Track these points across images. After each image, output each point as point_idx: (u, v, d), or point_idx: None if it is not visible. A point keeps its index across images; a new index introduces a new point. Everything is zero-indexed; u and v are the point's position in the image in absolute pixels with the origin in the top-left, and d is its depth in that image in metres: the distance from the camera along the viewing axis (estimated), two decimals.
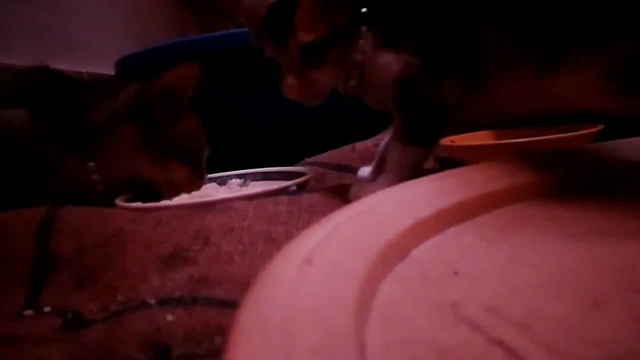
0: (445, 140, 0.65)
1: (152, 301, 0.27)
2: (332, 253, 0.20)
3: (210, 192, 0.51)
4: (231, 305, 0.26)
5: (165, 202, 0.50)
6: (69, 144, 0.50)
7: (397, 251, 0.23)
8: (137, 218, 0.36)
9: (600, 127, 0.58)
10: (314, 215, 0.35)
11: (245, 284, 0.28)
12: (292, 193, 0.39)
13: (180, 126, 0.53)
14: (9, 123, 0.51)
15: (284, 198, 0.37)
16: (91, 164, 0.51)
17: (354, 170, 0.64)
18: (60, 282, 0.32)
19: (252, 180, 0.58)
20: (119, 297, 0.28)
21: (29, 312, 0.30)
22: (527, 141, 0.56)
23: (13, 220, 0.37)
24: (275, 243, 0.32)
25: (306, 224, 0.34)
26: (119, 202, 0.48)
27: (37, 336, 0.26)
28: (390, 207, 0.26)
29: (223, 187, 0.57)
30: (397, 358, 0.15)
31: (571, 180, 0.29)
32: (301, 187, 0.49)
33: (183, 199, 0.52)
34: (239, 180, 0.58)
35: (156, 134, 0.52)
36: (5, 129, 0.51)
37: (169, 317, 0.25)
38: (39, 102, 0.52)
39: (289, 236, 0.33)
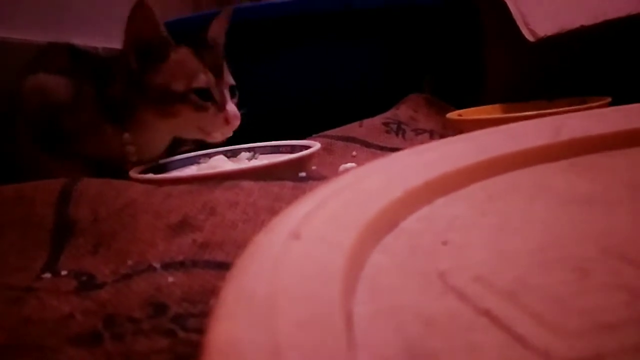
0: (453, 114, 0.65)
1: (157, 265, 0.28)
2: (320, 226, 0.20)
3: (219, 164, 0.52)
4: (228, 267, 0.27)
5: (175, 174, 0.51)
6: (107, 113, 0.52)
7: (385, 222, 0.23)
8: (149, 191, 0.37)
9: (609, 100, 0.57)
10: None
11: (244, 247, 0.29)
12: (299, 180, 0.40)
13: (163, 66, 0.51)
14: (50, 86, 0.53)
15: (289, 183, 0.39)
16: (126, 135, 0.52)
17: (360, 141, 0.65)
18: (77, 248, 0.34)
19: (261, 154, 0.59)
20: (129, 262, 0.30)
21: (47, 275, 0.32)
22: (535, 114, 0.55)
23: (33, 191, 0.39)
24: (277, 215, 0.32)
25: None
26: (133, 174, 0.49)
27: (52, 292, 0.27)
28: (378, 179, 0.26)
29: (232, 160, 0.57)
30: (383, 327, 0.16)
31: (562, 148, 0.29)
32: (307, 164, 0.50)
33: (192, 170, 0.53)
34: (248, 154, 0.59)
35: (145, 86, 0.51)
36: (46, 91, 0.53)
37: (170, 279, 0.27)
38: (68, 73, 0.53)
39: None
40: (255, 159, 0.59)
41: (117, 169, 0.53)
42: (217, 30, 0.56)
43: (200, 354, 0.13)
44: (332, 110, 0.75)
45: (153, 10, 0.49)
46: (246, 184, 0.37)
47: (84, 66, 0.55)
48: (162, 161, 0.57)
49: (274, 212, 0.33)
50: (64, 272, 0.31)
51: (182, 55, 0.51)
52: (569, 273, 0.18)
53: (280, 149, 0.58)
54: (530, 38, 0.57)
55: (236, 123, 0.52)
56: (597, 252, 0.19)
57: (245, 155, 0.59)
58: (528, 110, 0.60)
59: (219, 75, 0.52)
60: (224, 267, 0.27)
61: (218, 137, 0.53)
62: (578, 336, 0.14)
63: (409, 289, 0.18)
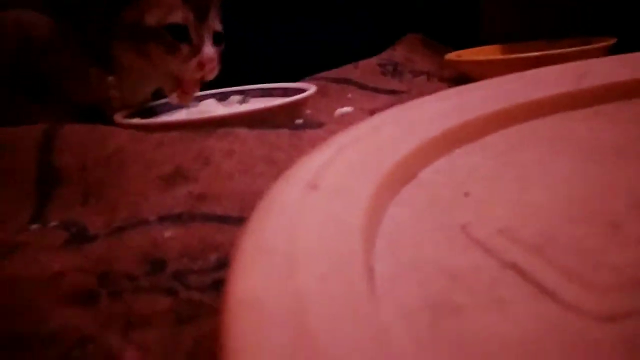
0: (452, 55, 0.63)
1: (152, 218, 0.27)
2: (337, 176, 0.20)
3: (209, 108, 0.50)
4: (228, 220, 0.27)
5: (164, 119, 0.49)
6: (90, 55, 0.48)
7: (403, 173, 0.22)
8: (137, 138, 0.35)
9: (614, 40, 0.56)
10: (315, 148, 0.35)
11: (243, 199, 0.28)
12: (295, 127, 0.38)
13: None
14: (29, 23, 0.49)
15: (285, 131, 0.37)
16: (111, 78, 0.49)
17: (355, 83, 0.63)
18: (65, 197, 0.33)
19: (252, 97, 0.57)
20: (122, 214, 0.29)
21: (35, 226, 0.30)
22: (538, 55, 0.54)
23: (14, 137, 0.37)
24: (276, 166, 0.32)
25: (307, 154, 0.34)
26: (118, 118, 0.47)
27: (42, 246, 0.26)
28: (395, 128, 0.25)
29: (222, 103, 0.55)
30: (406, 283, 0.15)
31: (587, 96, 0.28)
32: (303, 108, 0.48)
33: (182, 115, 0.51)
34: (238, 97, 0.57)
35: (118, 20, 0.46)
36: (29, 30, 0.49)
37: (167, 234, 0.26)
38: (46, 10, 0.49)
39: (290, 161, 0.32)
40: (246, 102, 0.56)
41: (101, 115, 0.50)
42: None
43: (220, 309, 0.12)
44: (326, 54, 0.72)
45: None
46: (241, 131, 0.35)
47: (61, 3, 0.50)
48: (148, 105, 0.54)
49: (271, 162, 0.32)
50: (53, 223, 0.30)
51: None
52: (597, 227, 0.17)
53: (273, 92, 0.56)
54: None
55: (211, 68, 0.47)
56: (626, 205, 0.18)
57: (235, 98, 0.57)
58: (529, 52, 0.58)
59: (201, 17, 0.47)
60: (223, 220, 0.26)
61: (190, 81, 0.48)
62: (610, 292, 0.13)
63: (431, 243, 0.17)
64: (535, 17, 0.68)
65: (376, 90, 0.61)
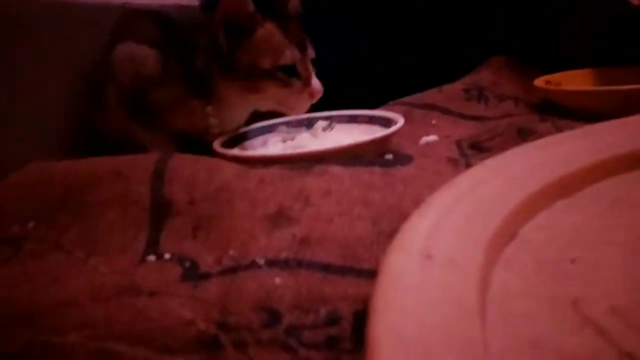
0: (540, 81, 0.61)
1: (261, 261, 0.29)
2: (448, 243, 0.20)
3: (303, 142, 0.52)
4: (332, 269, 0.28)
5: (261, 152, 0.52)
6: (192, 88, 0.53)
7: (506, 232, 0.23)
8: (241, 174, 0.38)
9: None
10: (408, 187, 0.36)
11: (343, 245, 0.30)
12: (386, 164, 0.40)
13: (249, 42, 0.51)
14: (141, 57, 0.54)
15: (378, 169, 0.38)
16: (209, 108, 0.53)
17: (440, 109, 0.63)
18: (176, 229, 0.35)
19: (338, 122, 0.58)
20: (231, 252, 0.31)
21: (151, 257, 0.33)
22: (630, 88, 0.51)
23: (129, 167, 0.40)
24: (373, 208, 0.33)
25: (401, 194, 0.35)
26: (217, 147, 0.51)
27: (163, 285, 0.29)
28: (496, 183, 0.25)
29: (309, 131, 0.57)
30: None
31: None
32: (392, 141, 0.49)
33: (278, 148, 0.53)
34: (324, 123, 0.58)
35: (232, 62, 0.51)
36: (136, 62, 0.54)
37: (277, 280, 0.27)
38: (157, 44, 0.54)
39: (385, 202, 0.34)
40: (332, 128, 0.58)
41: (199, 140, 0.54)
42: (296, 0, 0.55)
43: None
44: (409, 78, 0.72)
45: None
46: (336, 169, 0.37)
47: (171, 37, 0.55)
48: (242, 130, 0.58)
49: (367, 203, 0.33)
50: (167, 256, 0.32)
51: (267, 31, 0.51)
52: None
53: (358, 119, 0.57)
54: (635, 1, 0.52)
55: (319, 97, 0.52)
56: None
57: (321, 124, 0.59)
58: (622, 77, 0.55)
59: (303, 50, 0.52)
60: (327, 268, 0.27)
61: (299, 110, 0.53)
62: None
63: (543, 319, 0.18)
64: (635, 43, 0.64)
65: (461, 115, 0.61)
